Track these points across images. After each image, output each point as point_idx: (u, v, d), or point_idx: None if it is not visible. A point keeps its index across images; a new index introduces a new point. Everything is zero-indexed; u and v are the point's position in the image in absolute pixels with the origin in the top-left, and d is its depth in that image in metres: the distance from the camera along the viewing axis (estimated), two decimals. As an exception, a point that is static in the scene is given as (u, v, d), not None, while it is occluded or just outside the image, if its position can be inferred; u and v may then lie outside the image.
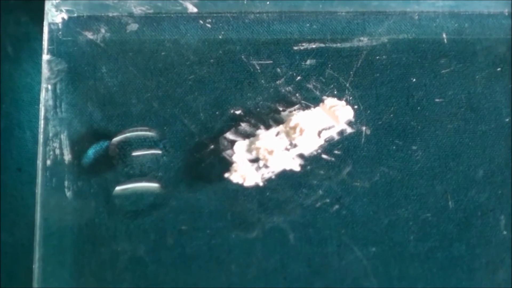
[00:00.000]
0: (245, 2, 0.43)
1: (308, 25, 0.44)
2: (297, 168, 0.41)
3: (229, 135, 0.41)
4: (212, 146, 0.41)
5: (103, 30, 0.43)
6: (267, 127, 0.42)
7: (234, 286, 0.40)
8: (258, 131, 0.41)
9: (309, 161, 0.41)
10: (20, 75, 0.45)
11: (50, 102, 0.42)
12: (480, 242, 0.41)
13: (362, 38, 0.44)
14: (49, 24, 0.43)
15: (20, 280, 0.41)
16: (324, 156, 0.41)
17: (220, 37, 0.43)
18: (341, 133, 0.42)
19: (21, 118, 0.44)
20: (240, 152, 0.41)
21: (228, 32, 0.43)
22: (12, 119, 0.44)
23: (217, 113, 0.42)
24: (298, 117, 0.41)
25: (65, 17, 0.43)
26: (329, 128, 0.42)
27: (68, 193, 0.40)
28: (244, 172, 0.40)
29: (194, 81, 0.43)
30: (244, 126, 0.42)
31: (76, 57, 0.43)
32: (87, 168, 0.41)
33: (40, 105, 0.41)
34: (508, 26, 0.44)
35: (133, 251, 0.40)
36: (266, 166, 0.41)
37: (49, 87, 0.42)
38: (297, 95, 0.42)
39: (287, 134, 0.41)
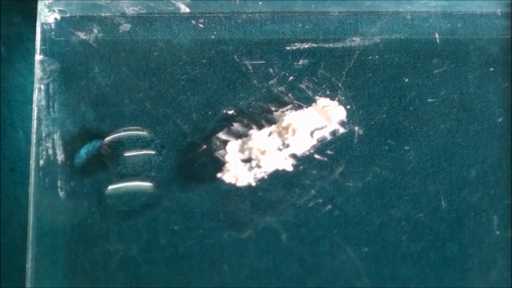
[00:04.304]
0: (237, 2, 0.43)
1: (300, 25, 0.44)
2: (289, 168, 0.41)
3: (222, 135, 0.41)
4: (204, 146, 0.41)
5: (95, 30, 0.43)
6: (260, 127, 0.42)
7: (226, 286, 0.40)
8: (251, 131, 0.41)
9: (302, 161, 0.41)
10: (13, 75, 0.45)
11: (43, 102, 0.42)
12: (473, 242, 0.41)
13: (354, 38, 0.44)
14: (42, 24, 0.43)
15: (13, 280, 0.41)
16: (316, 156, 0.41)
17: (212, 37, 0.43)
18: (333, 133, 0.42)
19: (14, 118, 0.44)
20: (232, 152, 0.41)
21: (220, 32, 0.43)
22: (5, 119, 0.44)
23: (209, 113, 0.42)
24: (291, 117, 0.41)
25: (58, 17, 0.43)
26: (322, 128, 0.42)
27: (61, 193, 0.40)
28: (237, 172, 0.40)
29: (186, 81, 0.43)
30: (236, 126, 0.42)
31: (68, 57, 0.43)
32: (79, 168, 0.41)
33: (33, 105, 0.41)
34: (501, 26, 0.44)
35: (125, 251, 0.40)
36: (258, 166, 0.41)
37: (42, 87, 0.42)
38: (290, 95, 0.42)
39: (280, 134, 0.41)
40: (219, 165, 0.41)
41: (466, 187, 0.41)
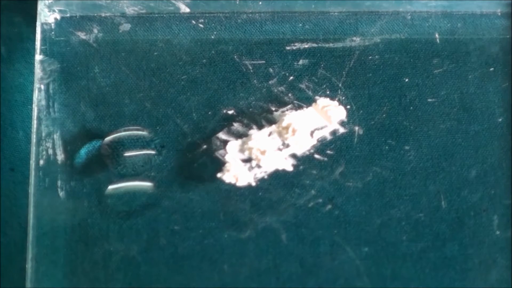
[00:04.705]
0: (237, 2, 0.43)
1: (300, 25, 0.44)
2: (289, 168, 0.41)
3: (222, 135, 0.41)
4: (204, 146, 0.41)
5: (95, 30, 0.43)
6: (260, 127, 0.42)
7: (226, 286, 0.40)
8: (251, 131, 0.41)
9: (302, 161, 0.41)
10: (13, 75, 0.45)
11: (43, 102, 0.42)
12: (473, 242, 0.41)
13: (354, 38, 0.44)
14: (42, 24, 0.43)
15: (13, 280, 0.41)
16: (316, 156, 0.41)
17: (212, 37, 0.43)
18: (333, 133, 0.42)
19: (14, 118, 0.44)
20: (232, 152, 0.41)
21: (220, 32, 0.43)
22: (5, 119, 0.44)
23: (209, 113, 0.42)
24: (291, 117, 0.41)
25: (58, 17, 0.43)
26: (322, 128, 0.42)
27: (61, 193, 0.40)
28: (237, 172, 0.40)
29: (186, 81, 0.43)
30: (236, 126, 0.42)
31: (69, 57, 0.43)
32: (80, 168, 0.41)
33: (33, 105, 0.42)
34: (501, 26, 0.44)
35: (125, 251, 0.40)
36: (258, 166, 0.41)
37: (42, 87, 0.42)
38: (290, 95, 0.42)
39: (280, 134, 0.41)
40: (219, 165, 0.41)
41: (466, 187, 0.41)
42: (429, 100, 0.43)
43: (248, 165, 0.41)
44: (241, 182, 0.40)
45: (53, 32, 0.43)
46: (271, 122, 0.42)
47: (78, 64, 0.43)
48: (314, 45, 0.43)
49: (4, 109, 0.44)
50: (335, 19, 0.44)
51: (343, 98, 0.42)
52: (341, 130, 0.42)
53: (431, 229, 0.41)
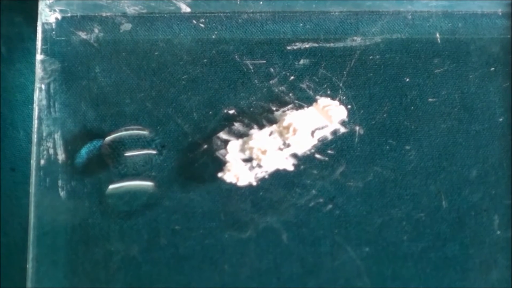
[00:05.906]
0: (238, 2, 0.44)
1: (301, 24, 0.44)
2: (290, 168, 0.41)
3: (223, 135, 0.41)
4: (205, 146, 0.41)
5: (96, 30, 0.43)
6: (261, 126, 0.42)
7: (227, 286, 0.40)
8: (252, 131, 0.41)
9: (303, 160, 0.41)
10: (14, 75, 0.45)
11: (44, 102, 0.42)
12: (473, 242, 0.41)
13: (355, 38, 0.44)
14: (43, 24, 0.43)
15: (13, 280, 0.41)
16: (317, 156, 0.41)
17: (213, 37, 0.43)
18: (334, 133, 0.42)
19: (15, 118, 0.44)
20: (233, 151, 0.41)
21: (221, 32, 0.44)
22: (5, 119, 0.44)
23: (210, 113, 0.42)
24: (292, 116, 0.41)
25: (59, 17, 0.43)
26: (323, 127, 0.42)
27: (62, 193, 0.40)
28: (238, 171, 0.40)
29: (187, 81, 0.43)
30: (237, 125, 0.42)
31: (69, 57, 0.43)
32: (80, 167, 0.41)
33: (34, 105, 0.42)
34: (502, 26, 0.44)
35: (126, 251, 0.40)
36: (259, 166, 0.41)
37: (43, 87, 0.42)
38: (291, 94, 0.42)
39: (281, 134, 0.41)
40: (220, 164, 0.41)
41: (467, 187, 0.41)
42: (430, 100, 0.43)
43: (249, 164, 0.41)
44: (242, 182, 0.40)
45: (54, 32, 0.43)
46: (272, 121, 0.42)
47: (79, 64, 0.43)
48: (315, 44, 0.43)
49: (5, 109, 0.44)
50: (336, 19, 0.44)
51: (344, 97, 0.42)
52: (342, 129, 0.42)
53: (432, 229, 0.41)
